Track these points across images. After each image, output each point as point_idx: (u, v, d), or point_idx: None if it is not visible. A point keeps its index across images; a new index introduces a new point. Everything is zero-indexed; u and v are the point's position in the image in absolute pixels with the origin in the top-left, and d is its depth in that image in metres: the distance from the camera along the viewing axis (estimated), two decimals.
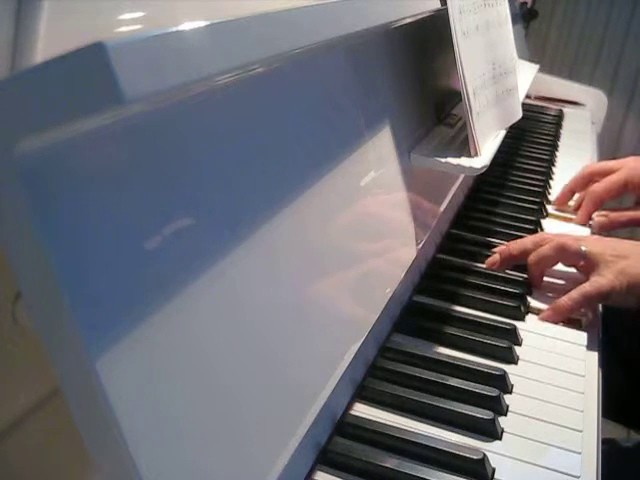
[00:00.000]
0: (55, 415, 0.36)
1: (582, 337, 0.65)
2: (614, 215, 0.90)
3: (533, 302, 0.71)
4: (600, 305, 0.72)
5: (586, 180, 0.96)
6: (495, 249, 0.78)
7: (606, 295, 0.67)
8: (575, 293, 0.68)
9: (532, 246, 0.74)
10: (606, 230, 0.90)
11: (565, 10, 2.23)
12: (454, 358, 0.58)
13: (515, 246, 0.76)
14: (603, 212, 0.92)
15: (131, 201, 0.29)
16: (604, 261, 0.68)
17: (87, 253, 0.27)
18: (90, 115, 0.23)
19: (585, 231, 0.91)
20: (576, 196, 0.98)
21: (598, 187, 0.93)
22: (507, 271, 0.75)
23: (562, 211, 0.98)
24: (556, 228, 0.91)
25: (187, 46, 0.26)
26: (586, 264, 0.70)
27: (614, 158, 0.97)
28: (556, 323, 0.67)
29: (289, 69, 0.43)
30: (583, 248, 0.70)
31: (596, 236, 0.76)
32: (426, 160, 0.64)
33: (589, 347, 0.64)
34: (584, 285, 0.68)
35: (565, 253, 0.72)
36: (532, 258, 0.73)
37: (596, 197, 0.92)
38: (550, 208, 0.99)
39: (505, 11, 0.84)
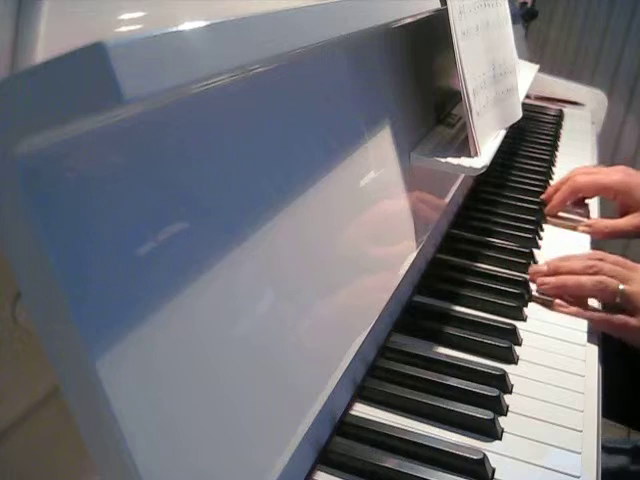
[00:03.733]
0: (55, 415, 0.36)
1: (582, 337, 0.65)
2: (598, 226, 0.90)
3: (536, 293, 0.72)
4: (600, 306, 0.72)
5: None
6: (545, 267, 0.76)
7: (630, 336, 0.67)
8: (602, 313, 0.68)
9: (581, 269, 0.73)
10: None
11: (565, 10, 2.23)
12: (454, 358, 0.58)
13: (565, 268, 0.74)
14: (588, 221, 0.92)
15: (131, 201, 0.29)
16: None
17: (87, 253, 0.27)
18: (90, 115, 0.23)
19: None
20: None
21: (580, 179, 0.94)
22: (507, 271, 0.75)
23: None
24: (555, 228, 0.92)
25: (187, 46, 0.26)
26: (622, 302, 0.69)
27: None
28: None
29: (289, 69, 0.43)
30: (621, 287, 0.69)
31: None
32: (426, 160, 0.64)
33: (589, 347, 0.64)
34: (617, 315, 0.68)
35: (603, 292, 0.70)
36: (570, 282, 0.72)
37: (574, 187, 0.93)
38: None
39: (505, 11, 0.84)
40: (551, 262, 0.76)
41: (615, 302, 0.69)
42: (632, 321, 0.67)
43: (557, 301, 0.70)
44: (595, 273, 0.71)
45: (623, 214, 0.90)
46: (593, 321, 0.69)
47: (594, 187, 0.93)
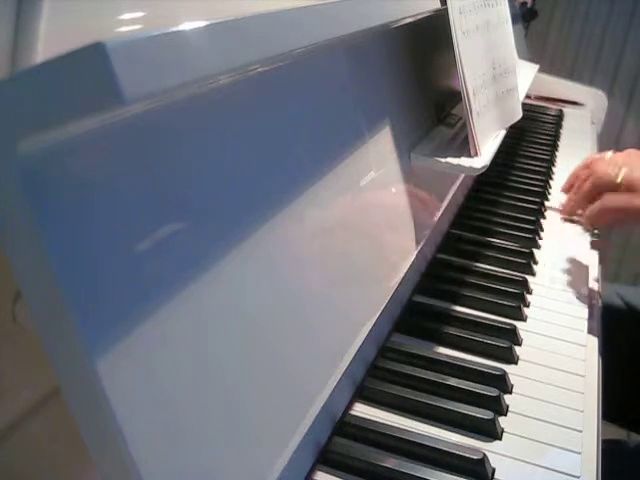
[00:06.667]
0: (55, 415, 0.37)
1: (582, 337, 0.65)
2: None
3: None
4: (600, 306, 0.72)
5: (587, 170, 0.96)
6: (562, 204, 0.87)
7: (630, 210, 0.72)
8: (596, 205, 0.76)
9: (584, 174, 0.82)
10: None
11: (565, 10, 2.23)
12: (454, 358, 0.58)
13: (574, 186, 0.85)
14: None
15: (131, 201, 0.29)
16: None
17: (87, 253, 0.27)
18: (90, 115, 0.23)
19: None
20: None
21: (610, 203, 0.92)
22: (507, 271, 0.75)
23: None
24: (555, 225, 0.92)
25: (187, 46, 0.26)
26: (626, 188, 0.75)
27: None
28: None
29: (289, 69, 0.43)
30: (620, 176, 0.75)
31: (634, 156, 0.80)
32: (426, 160, 0.64)
33: (589, 347, 0.64)
34: (619, 196, 0.75)
35: (602, 185, 0.77)
36: (571, 196, 0.81)
37: (585, 195, 0.93)
38: (548, 204, 0.99)
39: (505, 11, 0.84)
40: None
41: (620, 189, 0.75)
42: (637, 199, 0.72)
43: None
44: (591, 175, 0.79)
45: None
46: (600, 210, 0.75)
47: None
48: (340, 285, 0.48)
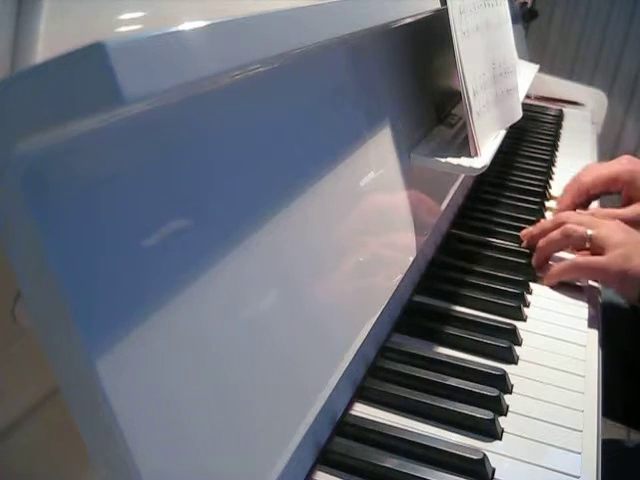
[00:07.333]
0: (55, 415, 0.36)
1: (582, 337, 0.65)
2: (600, 214, 0.90)
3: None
4: (600, 305, 0.72)
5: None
6: (522, 232, 0.83)
7: (598, 271, 0.70)
8: (568, 262, 0.73)
9: (552, 226, 0.78)
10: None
11: (565, 10, 2.23)
12: (454, 358, 0.58)
13: (537, 229, 0.81)
14: (591, 210, 0.91)
15: (132, 201, 0.29)
16: (608, 245, 0.71)
17: (87, 253, 0.27)
18: (90, 115, 0.23)
19: None
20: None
21: (584, 177, 0.93)
22: (507, 271, 0.75)
23: None
24: None
25: (187, 46, 0.26)
26: (592, 247, 0.73)
27: (613, 158, 0.96)
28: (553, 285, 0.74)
29: (289, 69, 0.43)
30: (589, 232, 0.73)
31: (609, 221, 0.77)
32: (426, 160, 0.64)
33: (589, 347, 0.64)
34: (581, 257, 0.73)
35: (570, 238, 0.75)
36: (541, 242, 0.77)
37: (581, 186, 0.93)
38: (548, 203, 0.99)
39: (505, 11, 0.84)
40: (524, 233, 0.82)
41: (585, 247, 0.73)
42: (600, 258, 0.70)
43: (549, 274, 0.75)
44: (563, 224, 0.76)
45: (626, 205, 0.89)
46: (562, 270, 0.73)
47: (601, 181, 0.92)
48: (340, 285, 0.48)
